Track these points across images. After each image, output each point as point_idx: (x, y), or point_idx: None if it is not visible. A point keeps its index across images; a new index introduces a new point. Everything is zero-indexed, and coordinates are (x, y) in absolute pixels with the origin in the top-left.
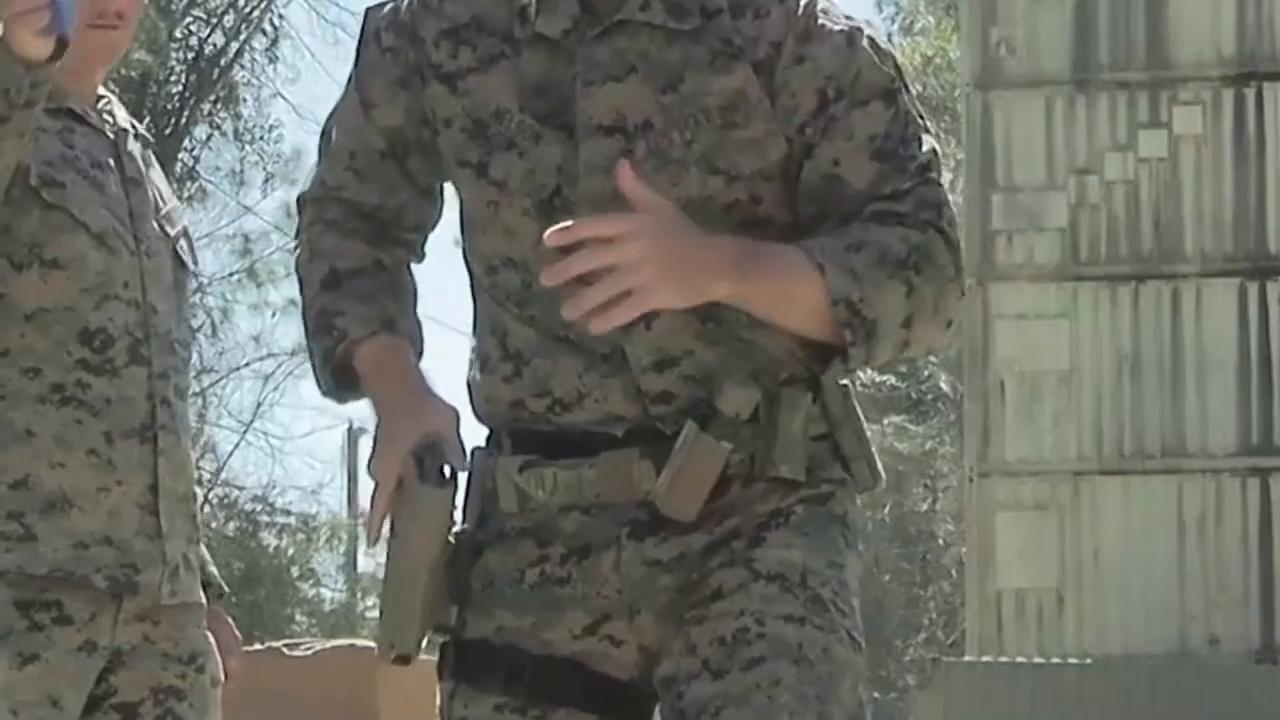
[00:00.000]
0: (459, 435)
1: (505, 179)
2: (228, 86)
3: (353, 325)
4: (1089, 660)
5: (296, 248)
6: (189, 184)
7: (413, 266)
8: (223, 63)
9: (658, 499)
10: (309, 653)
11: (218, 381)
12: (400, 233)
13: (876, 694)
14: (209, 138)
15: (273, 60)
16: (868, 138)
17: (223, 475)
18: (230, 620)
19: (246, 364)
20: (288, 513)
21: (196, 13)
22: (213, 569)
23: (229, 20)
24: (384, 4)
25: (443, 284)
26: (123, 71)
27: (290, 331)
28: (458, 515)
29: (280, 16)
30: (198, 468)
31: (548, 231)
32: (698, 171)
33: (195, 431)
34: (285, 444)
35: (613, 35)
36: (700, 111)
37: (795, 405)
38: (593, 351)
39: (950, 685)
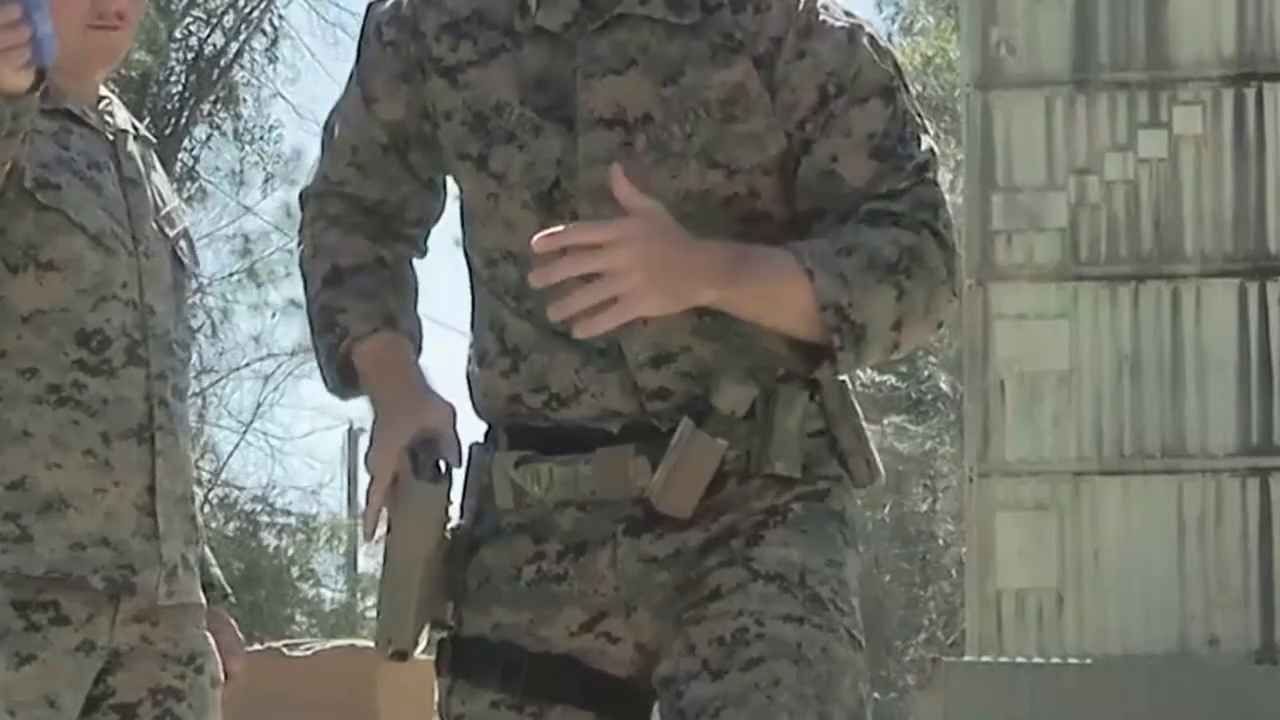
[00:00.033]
0: (456, 431)
1: (505, 172)
2: (228, 86)
3: (354, 322)
4: (1089, 660)
5: (300, 243)
6: (189, 184)
7: (414, 261)
8: (223, 63)
9: (653, 495)
10: (309, 653)
11: (218, 382)
12: (402, 227)
13: (876, 694)
14: (209, 138)
15: (273, 60)
16: (866, 135)
17: (222, 475)
18: (233, 622)
19: (246, 364)
20: (288, 513)
21: (196, 13)
22: (216, 570)
23: (229, 20)
24: None
25: (442, 284)
26: (123, 71)
27: (290, 332)
28: (454, 511)
29: (280, 16)
30: (197, 468)
31: (535, 237)
32: (697, 165)
33: (195, 432)
34: (285, 444)
35: (613, 28)
36: (700, 105)
37: (792, 402)
38: (589, 347)
39: (950, 685)
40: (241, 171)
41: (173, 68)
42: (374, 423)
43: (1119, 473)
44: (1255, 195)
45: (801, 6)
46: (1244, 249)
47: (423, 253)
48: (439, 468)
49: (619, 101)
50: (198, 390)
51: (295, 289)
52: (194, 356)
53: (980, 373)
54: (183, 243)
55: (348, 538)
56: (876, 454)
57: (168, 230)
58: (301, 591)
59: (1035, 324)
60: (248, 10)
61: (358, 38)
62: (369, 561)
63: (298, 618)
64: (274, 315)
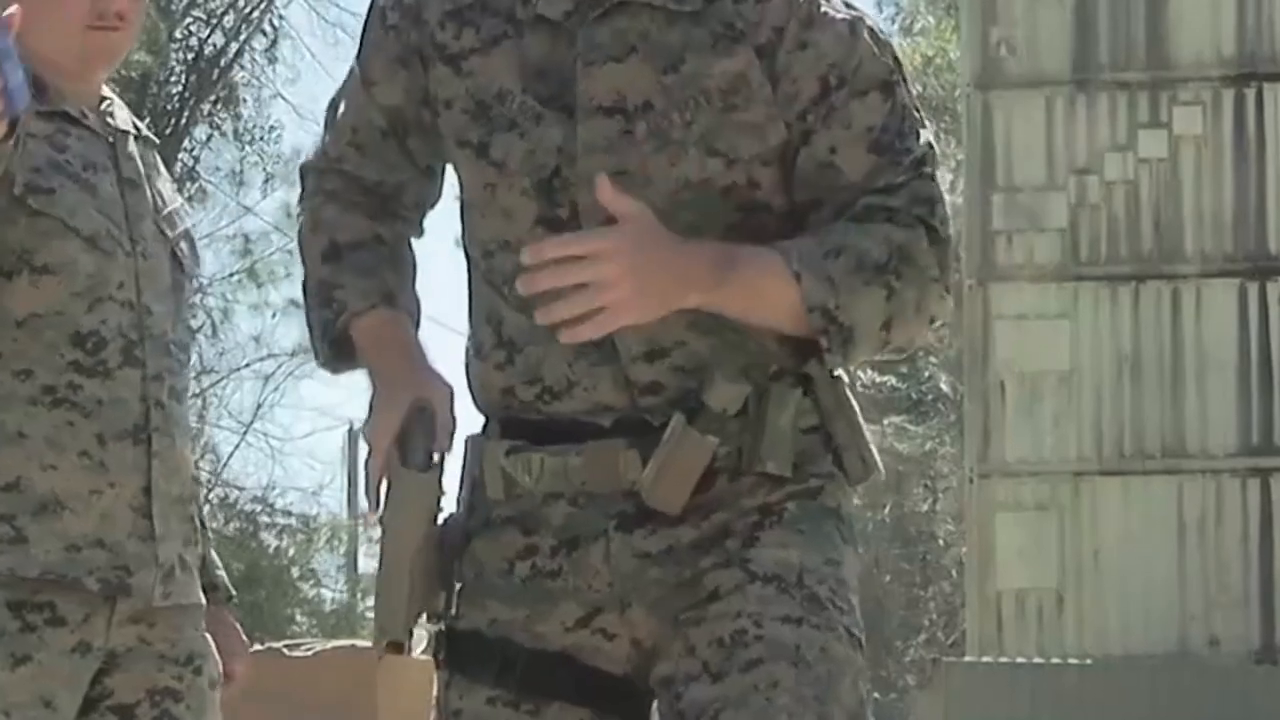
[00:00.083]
0: (452, 411)
1: (505, 159)
2: (228, 87)
3: (352, 298)
4: (1089, 661)
5: (299, 215)
6: (189, 184)
7: (413, 242)
8: (223, 63)
9: (643, 490)
10: (309, 653)
11: (218, 382)
12: (400, 209)
13: (877, 694)
14: (209, 138)
15: (272, 61)
16: (865, 129)
17: (223, 476)
18: (237, 624)
19: (247, 364)
20: (288, 513)
21: (196, 13)
22: (221, 573)
23: (229, 21)
24: None
25: (442, 284)
26: (123, 72)
27: (290, 332)
28: (449, 501)
29: (280, 17)
30: (197, 468)
31: (523, 251)
32: (696, 153)
33: (195, 432)
34: (285, 445)
35: (613, 16)
36: (701, 93)
37: (784, 400)
38: None
39: (950, 686)
40: (241, 172)
41: (173, 68)
42: (372, 396)
43: (1119, 473)
44: (1255, 195)
45: None
46: (1244, 249)
47: (420, 233)
48: (429, 456)
49: (619, 89)
50: (198, 391)
51: (295, 289)
52: (194, 357)
53: (980, 373)
54: (183, 243)
55: (348, 538)
56: (874, 449)
57: (167, 231)
58: (302, 592)
59: (1035, 324)
60: (248, 10)
61: (362, 24)
62: (369, 562)
63: (298, 618)
64: (274, 315)
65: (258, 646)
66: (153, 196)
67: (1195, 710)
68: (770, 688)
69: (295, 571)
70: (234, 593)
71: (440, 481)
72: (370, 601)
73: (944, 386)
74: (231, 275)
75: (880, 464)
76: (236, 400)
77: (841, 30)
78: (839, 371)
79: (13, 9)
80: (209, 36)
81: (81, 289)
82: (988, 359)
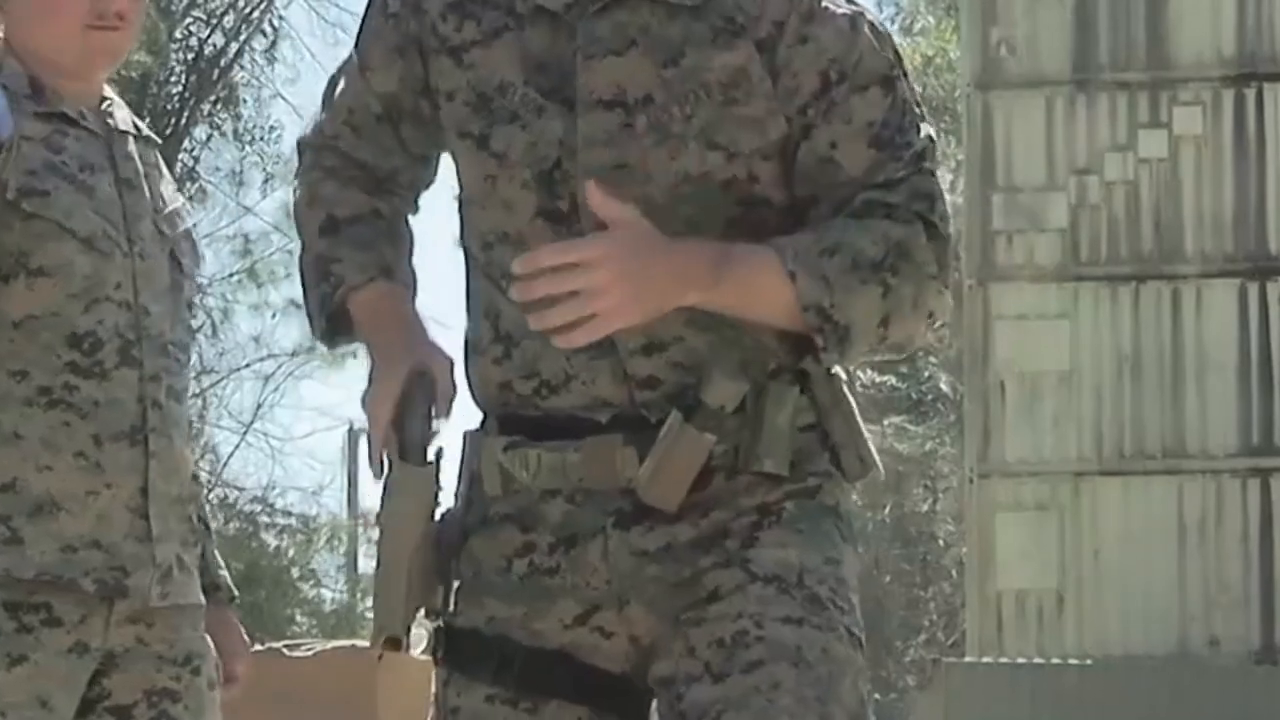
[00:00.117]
0: (452, 378)
1: (506, 151)
2: (228, 87)
3: (350, 272)
4: (1089, 661)
5: (296, 189)
6: (189, 184)
7: (410, 219)
8: (223, 63)
9: (639, 487)
10: (309, 653)
11: (218, 382)
12: (396, 187)
13: (877, 695)
14: (209, 138)
15: (272, 61)
16: (865, 124)
17: (223, 476)
18: (239, 625)
19: (247, 365)
20: (288, 514)
21: (196, 13)
22: (223, 573)
23: (229, 21)
24: None
25: (442, 284)
26: (123, 72)
27: (290, 332)
28: (447, 496)
29: (280, 17)
30: (197, 468)
31: (515, 261)
32: (697, 146)
33: (195, 432)
34: (285, 445)
35: (613, 10)
36: (701, 87)
37: (782, 398)
38: None
39: (950, 686)
40: (241, 172)
41: (173, 68)
42: (371, 368)
43: (1119, 473)
44: (1255, 195)
45: None
46: (1244, 249)
47: (416, 210)
48: (426, 451)
49: (619, 82)
50: (198, 391)
51: (295, 289)
52: (194, 357)
53: (980, 373)
54: (183, 244)
55: (348, 538)
56: (872, 447)
57: (167, 231)
58: (302, 592)
59: (1035, 324)
60: (248, 10)
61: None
62: (369, 562)
63: (298, 618)
64: (274, 315)
65: (258, 647)
66: (152, 196)
67: (1195, 710)
68: (772, 689)
69: (295, 571)
70: (236, 593)
71: (438, 477)
72: (370, 602)
73: (944, 386)
74: (231, 275)
75: (879, 462)
76: (236, 400)
77: (842, 25)
78: (836, 368)
79: None
80: (209, 36)
81: (78, 290)
82: (988, 359)
